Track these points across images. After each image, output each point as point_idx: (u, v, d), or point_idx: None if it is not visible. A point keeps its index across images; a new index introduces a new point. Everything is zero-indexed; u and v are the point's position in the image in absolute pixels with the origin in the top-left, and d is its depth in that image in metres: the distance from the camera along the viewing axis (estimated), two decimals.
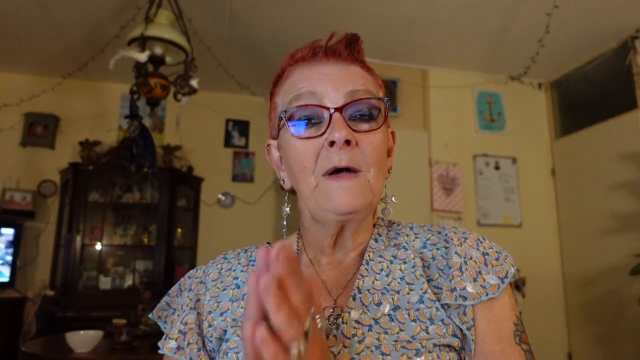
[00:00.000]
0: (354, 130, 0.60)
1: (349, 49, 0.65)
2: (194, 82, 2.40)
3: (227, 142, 4.04)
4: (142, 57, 2.20)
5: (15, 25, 2.91)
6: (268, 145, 0.72)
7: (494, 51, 3.15)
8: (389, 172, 0.69)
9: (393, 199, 0.69)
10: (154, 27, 2.26)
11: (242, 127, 4.09)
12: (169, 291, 0.72)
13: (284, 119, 0.63)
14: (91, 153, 3.50)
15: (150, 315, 0.72)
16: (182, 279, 0.72)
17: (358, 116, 0.61)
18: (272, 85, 0.70)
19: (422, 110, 3.33)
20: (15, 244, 3.36)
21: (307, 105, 0.61)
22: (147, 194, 3.61)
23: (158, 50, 2.33)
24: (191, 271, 0.73)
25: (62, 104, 3.68)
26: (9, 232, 3.36)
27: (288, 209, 0.68)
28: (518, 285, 3.07)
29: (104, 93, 3.83)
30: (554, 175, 3.49)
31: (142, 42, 2.22)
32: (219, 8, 2.69)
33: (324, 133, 0.60)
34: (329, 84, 0.61)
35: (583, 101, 3.39)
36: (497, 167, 3.39)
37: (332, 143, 0.58)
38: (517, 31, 2.87)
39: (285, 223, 0.70)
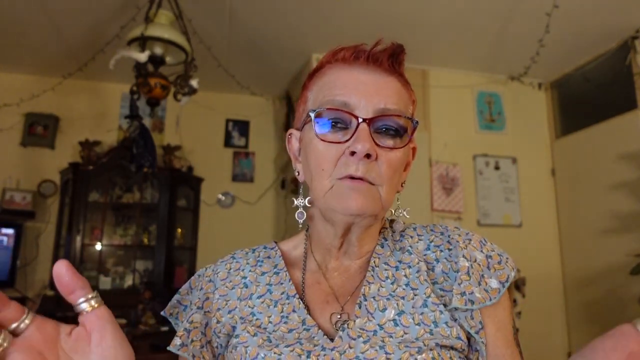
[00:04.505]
0: (377, 144, 0.61)
1: (391, 59, 0.64)
2: (194, 82, 2.40)
3: (227, 142, 4.04)
4: (142, 57, 2.20)
5: (15, 25, 2.91)
6: (290, 134, 0.73)
7: (494, 51, 3.15)
8: (402, 185, 0.69)
9: (405, 213, 0.70)
10: (154, 27, 2.26)
11: (242, 127, 4.09)
12: (180, 290, 0.74)
13: (312, 117, 0.63)
14: (91, 153, 3.50)
15: (162, 313, 0.74)
16: (192, 278, 0.74)
17: (384, 130, 0.62)
18: (307, 77, 0.70)
19: (422, 110, 3.33)
20: (15, 244, 3.36)
21: (337, 109, 0.62)
22: (147, 194, 3.61)
23: (158, 50, 2.32)
24: (201, 270, 0.74)
25: (62, 104, 3.68)
26: (9, 232, 3.36)
27: (306, 201, 0.68)
28: (518, 285, 3.07)
29: (104, 93, 3.83)
30: (554, 175, 3.49)
31: (142, 42, 2.22)
32: (219, 8, 2.69)
33: (347, 140, 0.60)
34: (363, 96, 0.61)
35: (583, 101, 3.39)
36: (497, 167, 3.39)
37: (353, 153, 0.59)
38: (517, 31, 2.86)
39: (303, 212, 0.69)
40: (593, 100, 3.29)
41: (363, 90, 0.62)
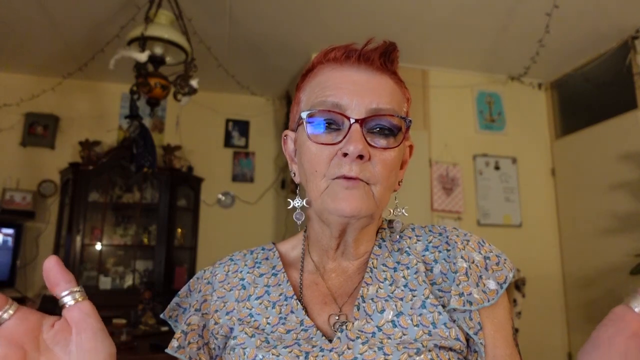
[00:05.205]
0: (370, 145, 0.60)
1: (382, 58, 0.63)
2: (194, 82, 2.40)
3: (227, 142, 4.04)
4: (142, 57, 2.20)
5: (15, 25, 2.91)
6: (285, 136, 0.72)
7: (494, 51, 3.15)
8: (399, 184, 0.69)
9: (404, 211, 0.69)
10: (154, 27, 2.26)
11: (242, 127, 4.09)
12: (179, 292, 0.74)
13: (304, 119, 0.62)
14: (91, 153, 3.50)
15: (161, 316, 0.74)
16: (191, 280, 0.74)
17: (377, 130, 0.61)
18: (300, 78, 0.69)
19: (422, 110, 3.33)
20: (15, 244, 3.36)
21: (329, 111, 0.61)
22: (147, 194, 3.61)
23: (158, 50, 2.32)
24: (199, 272, 0.75)
25: (62, 104, 3.68)
26: (9, 232, 3.36)
27: (304, 202, 0.67)
28: (518, 285, 3.07)
29: (104, 93, 3.83)
30: (554, 175, 3.49)
31: (142, 42, 2.22)
32: (219, 8, 2.69)
33: (340, 141, 0.60)
34: (355, 96, 0.61)
35: (583, 101, 3.39)
36: (497, 167, 3.39)
37: (345, 154, 0.59)
38: (517, 31, 2.86)
39: (302, 212, 0.69)
40: (593, 100, 3.29)
41: (355, 90, 0.61)
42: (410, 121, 0.64)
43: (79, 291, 0.45)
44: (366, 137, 0.60)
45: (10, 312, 0.43)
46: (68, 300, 0.45)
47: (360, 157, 0.58)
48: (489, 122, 3.46)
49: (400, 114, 0.63)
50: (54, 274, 0.45)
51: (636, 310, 0.45)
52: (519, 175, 3.42)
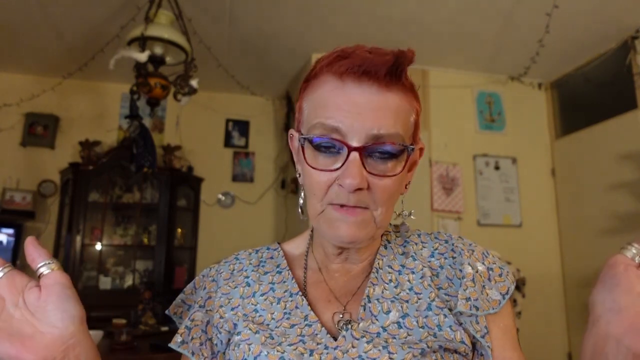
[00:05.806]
0: (370, 172, 0.58)
1: (389, 76, 0.58)
2: (194, 82, 2.40)
3: (227, 142, 4.04)
4: (142, 57, 2.20)
5: (15, 25, 2.91)
6: (291, 135, 0.70)
7: (494, 51, 3.15)
8: (405, 187, 0.68)
9: (412, 216, 0.69)
10: (154, 27, 2.26)
11: (242, 127, 4.09)
12: (184, 289, 0.75)
13: (301, 144, 0.61)
14: (91, 153, 3.50)
15: (166, 312, 0.75)
16: (196, 278, 0.75)
17: (378, 155, 0.58)
18: (304, 80, 0.66)
19: (422, 110, 3.31)
20: (15, 244, 3.36)
21: (327, 136, 0.58)
22: (147, 194, 3.61)
23: (158, 50, 2.33)
24: (205, 270, 0.75)
25: (62, 104, 3.68)
26: (9, 232, 3.36)
27: (303, 214, 0.69)
28: (518, 285, 3.07)
29: (104, 93, 3.83)
30: (554, 175, 3.49)
31: (142, 42, 2.22)
32: (219, 8, 2.69)
33: (338, 168, 0.58)
34: (355, 120, 0.57)
35: (583, 101, 3.39)
36: (497, 167, 3.39)
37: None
38: (517, 31, 2.86)
39: (300, 210, 0.70)
40: (593, 100, 3.29)
41: (355, 114, 0.57)
42: (412, 149, 0.60)
43: (53, 263, 0.53)
44: (365, 163, 0.57)
45: (1, 274, 0.51)
46: (43, 270, 0.52)
47: (358, 188, 0.57)
48: (489, 122, 3.46)
49: (404, 135, 0.60)
50: (31, 250, 0.53)
51: (628, 255, 0.58)
52: (519, 176, 3.42)
